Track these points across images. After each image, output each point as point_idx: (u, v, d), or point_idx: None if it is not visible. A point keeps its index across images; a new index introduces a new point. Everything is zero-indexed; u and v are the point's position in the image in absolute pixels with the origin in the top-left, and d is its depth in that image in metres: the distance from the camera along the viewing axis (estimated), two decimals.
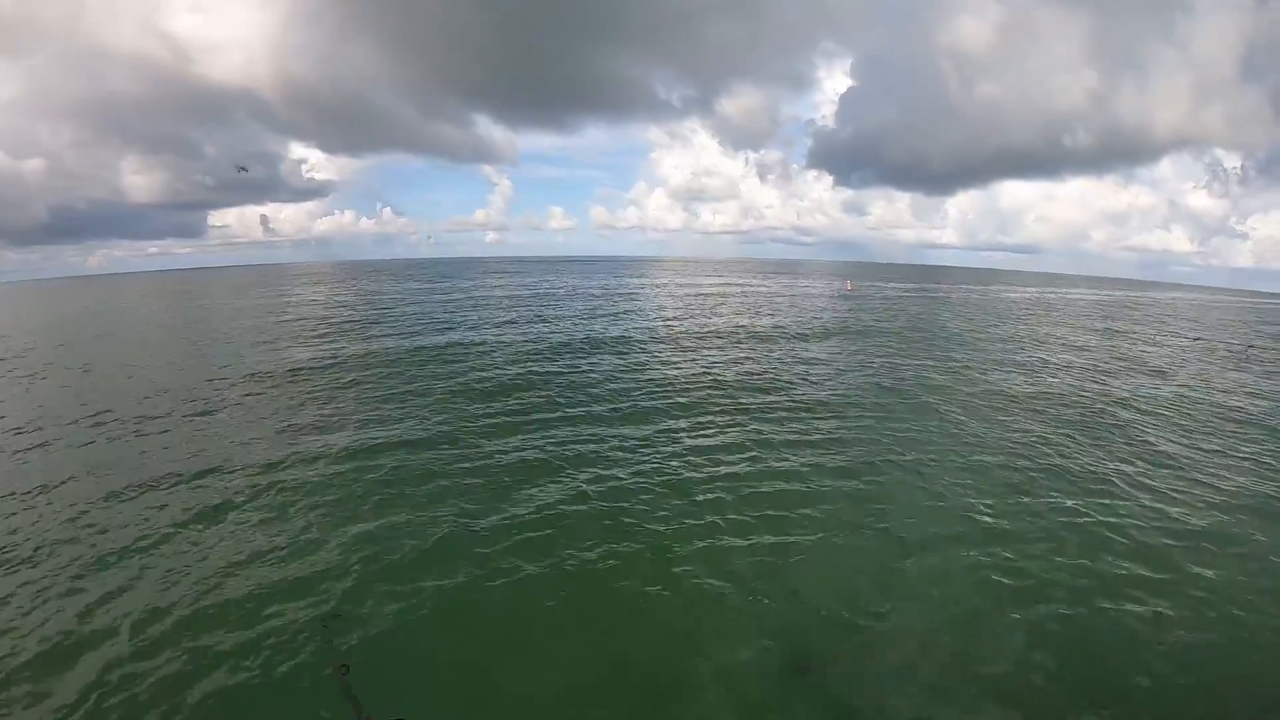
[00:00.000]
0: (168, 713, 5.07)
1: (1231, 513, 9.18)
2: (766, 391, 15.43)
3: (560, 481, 9.62)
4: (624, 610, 6.51)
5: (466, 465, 10.23)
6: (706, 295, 46.50)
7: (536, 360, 18.68)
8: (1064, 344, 26.52)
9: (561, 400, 14.27)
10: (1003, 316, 38.93)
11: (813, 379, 17.11)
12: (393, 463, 10.27)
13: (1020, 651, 5.99)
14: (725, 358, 20.00)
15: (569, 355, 19.70)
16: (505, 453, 10.80)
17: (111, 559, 7.37)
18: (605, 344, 22.07)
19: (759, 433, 12.11)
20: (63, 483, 9.70)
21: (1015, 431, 12.72)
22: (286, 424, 12.44)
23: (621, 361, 18.96)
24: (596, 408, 13.66)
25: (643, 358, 19.72)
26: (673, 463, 10.48)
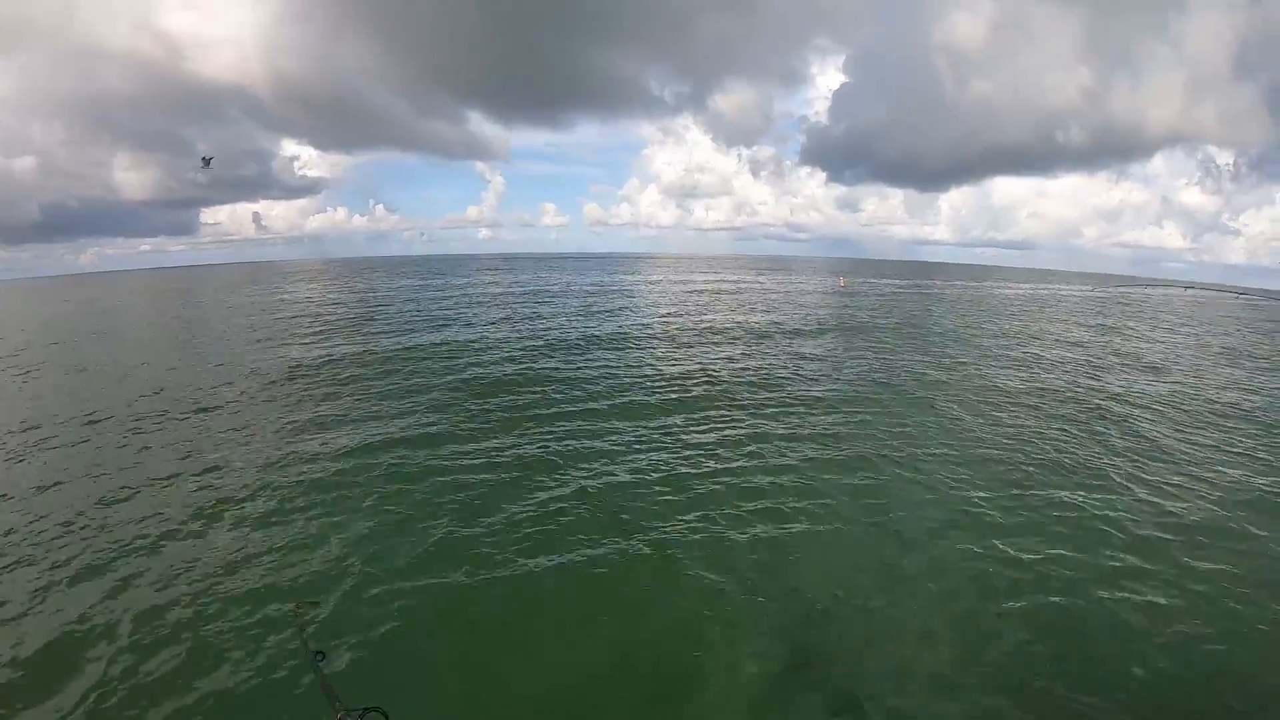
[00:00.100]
0: (166, 713, 5.06)
1: (1227, 507, 9.24)
2: (763, 387, 15.45)
3: (559, 478, 9.61)
4: (624, 607, 6.51)
5: (464, 462, 10.21)
6: (701, 292, 46.57)
7: (533, 357, 18.67)
8: (1058, 339, 26.63)
9: (558, 397, 14.27)
10: (997, 313, 39.07)
11: (809, 375, 17.15)
12: (391, 460, 10.25)
13: (1018, 644, 6.02)
14: (721, 354, 20.03)
15: (565, 352, 19.70)
16: (503, 450, 10.79)
17: (109, 560, 7.33)
18: (601, 341, 22.09)
19: (756, 428, 12.13)
20: (58, 483, 9.65)
21: (1011, 426, 12.77)
22: (283, 422, 12.40)
23: (617, 358, 18.97)
24: (593, 404, 13.66)
25: (639, 354, 19.73)
26: (671, 459, 10.48)
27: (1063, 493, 9.51)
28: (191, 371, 17.54)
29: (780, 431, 11.97)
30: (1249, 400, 16.22)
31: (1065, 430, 12.66)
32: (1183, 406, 15.08)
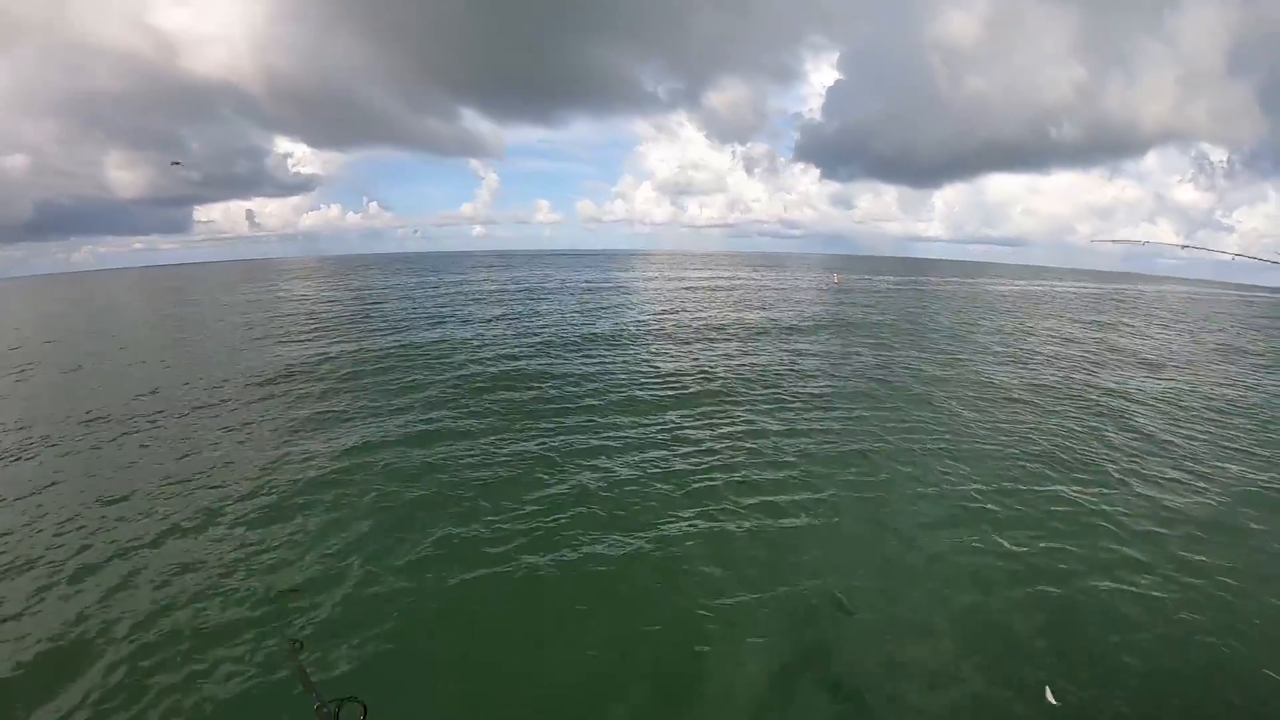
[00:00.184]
0: (166, 713, 5.04)
1: (1225, 501, 9.30)
2: (760, 384, 15.46)
3: (557, 476, 9.60)
4: (623, 605, 6.51)
5: (463, 460, 10.19)
6: (696, 289, 46.60)
7: (529, 355, 18.64)
8: (1054, 335, 26.73)
9: (555, 394, 14.26)
10: (993, 309, 39.17)
11: (806, 371, 17.17)
12: (389, 458, 10.22)
13: (1017, 637, 6.07)
14: (718, 351, 20.03)
15: (561, 349, 19.68)
16: (501, 447, 10.78)
17: (107, 559, 7.29)
18: (597, 337, 22.07)
19: (754, 425, 12.14)
20: (54, 482, 9.60)
21: (1008, 422, 12.82)
22: (280, 421, 12.36)
23: (614, 355, 18.96)
24: (591, 401, 13.65)
25: (635, 351, 19.72)
26: (669, 455, 10.48)
27: (1060, 487, 9.56)
28: (187, 370, 17.45)
29: (778, 428, 11.99)
30: (1245, 397, 16.31)
31: (1062, 425, 12.71)
32: (1179, 402, 15.16)
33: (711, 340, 22.18)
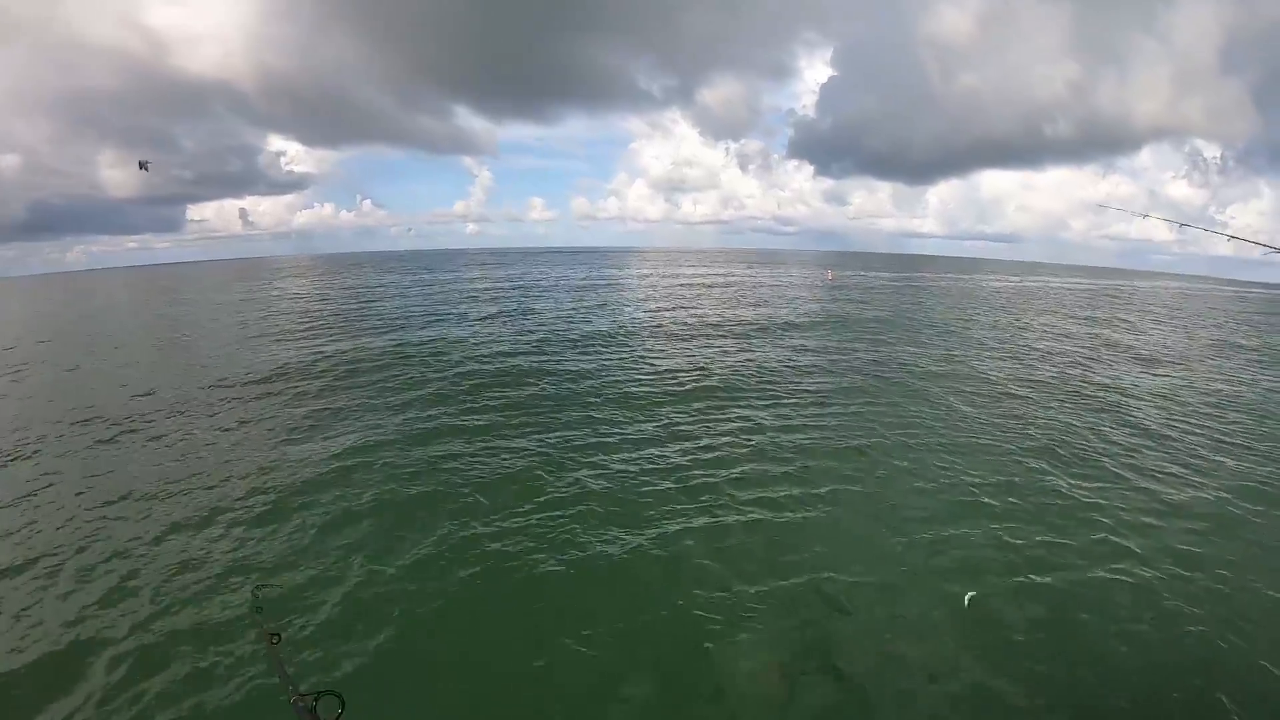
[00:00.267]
0: (165, 713, 5.04)
1: (1220, 494, 9.36)
2: (756, 380, 15.48)
3: (556, 474, 9.59)
4: (625, 602, 6.51)
5: (461, 458, 10.18)
6: (690, 285, 46.60)
7: (526, 352, 18.60)
8: (1049, 331, 26.81)
9: (553, 391, 14.26)
10: (988, 305, 39.26)
11: (802, 367, 17.19)
12: (387, 458, 10.19)
13: (1016, 629, 6.10)
14: (714, 347, 20.03)
15: (558, 347, 19.65)
16: (500, 446, 10.75)
17: (105, 559, 7.27)
18: (593, 335, 22.04)
19: (751, 421, 12.16)
20: (50, 484, 9.55)
21: (1005, 416, 12.87)
22: (279, 421, 12.32)
23: (610, 352, 18.95)
24: (589, 398, 13.65)
25: (632, 348, 19.71)
26: (668, 452, 10.48)
27: (1057, 481, 9.60)
28: (183, 369, 17.40)
29: (775, 424, 12.01)
30: (1240, 392, 16.40)
31: (1058, 420, 12.77)
32: (1174, 397, 15.25)
33: (707, 337, 22.19)
